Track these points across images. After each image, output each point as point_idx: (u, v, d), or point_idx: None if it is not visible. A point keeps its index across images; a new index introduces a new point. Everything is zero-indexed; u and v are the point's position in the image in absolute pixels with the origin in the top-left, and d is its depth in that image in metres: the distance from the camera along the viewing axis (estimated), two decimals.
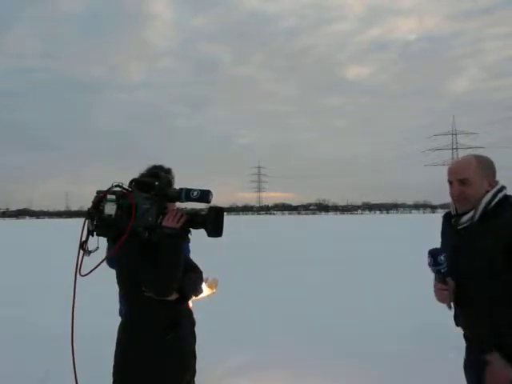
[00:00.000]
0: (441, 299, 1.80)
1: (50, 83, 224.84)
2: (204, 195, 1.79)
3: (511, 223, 1.65)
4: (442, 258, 1.75)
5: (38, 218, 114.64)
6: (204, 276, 2.32)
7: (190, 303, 2.35)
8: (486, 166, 1.80)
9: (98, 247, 1.81)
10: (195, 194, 1.79)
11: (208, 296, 2.42)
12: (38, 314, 6.01)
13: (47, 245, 20.53)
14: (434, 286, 1.81)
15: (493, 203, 1.72)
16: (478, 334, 1.78)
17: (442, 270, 1.76)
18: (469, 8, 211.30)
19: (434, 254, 1.76)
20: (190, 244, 2.55)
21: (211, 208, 1.80)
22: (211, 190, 1.80)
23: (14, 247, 19.66)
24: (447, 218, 1.91)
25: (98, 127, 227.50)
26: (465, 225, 1.77)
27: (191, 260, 2.22)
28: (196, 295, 2.10)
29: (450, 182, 1.83)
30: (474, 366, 1.80)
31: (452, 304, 1.83)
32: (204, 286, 2.37)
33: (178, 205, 1.94)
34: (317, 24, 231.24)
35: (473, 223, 1.74)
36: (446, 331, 4.61)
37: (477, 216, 1.73)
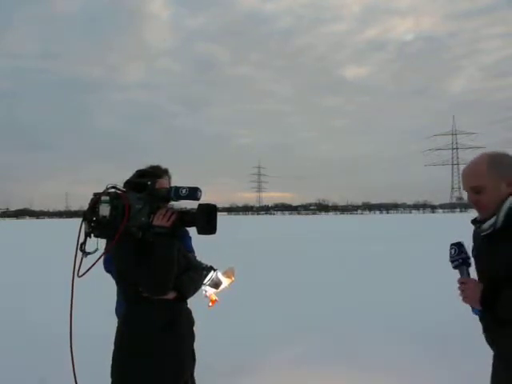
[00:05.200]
0: (473, 299, 1.58)
1: (50, 83, 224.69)
2: (192, 192, 1.80)
3: None
4: (466, 249, 1.66)
5: (37, 218, 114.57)
6: (218, 268, 2.37)
7: (215, 296, 2.38)
8: (502, 165, 1.62)
9: (97, 248, 1.82)
10: (184, 191, 1.80)
11: (229, 285, 2.44)
12: (37, 314, 6.01)
13: (47, 245, 20.53)
14: (461, 282, 1.63)
15: None
16: (492, 345, 1.67)
17: (469, 261, 1.64)
18: (466, 8, 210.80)
19: (458, 244, 1.67)
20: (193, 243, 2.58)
21: (200, 205, 1.81)
22: (200, 188, 1.81)
23: (13, 247, 19.66)
24: (474, 223, 1.74)
25: (97, 127, 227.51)
26: (487, 232, 1.63)
27: (193, 258, 2.22)
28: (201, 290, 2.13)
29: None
30: (497, 377, 1.70)
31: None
32: (222, 276, 2.40)
33: (178, 205, 1.94)
34: (314, 24, 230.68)
35: (495, 230, 1.60)
36: (447, 331, 4.62)
37: (499, 223, 1.57)
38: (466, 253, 1.67)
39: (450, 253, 1.70)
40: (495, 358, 1.71)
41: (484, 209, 1.64)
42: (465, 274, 1.66)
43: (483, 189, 1.62)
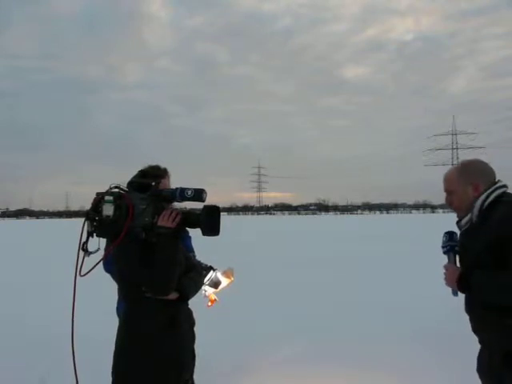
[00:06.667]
0: (451, 281, 1.78)
1: (50, 83, 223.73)
2: (198, 194, 1.81)
3: (496, 223, 1.67)
4: (457, 237, 1.87)
5: (37, 218, 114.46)
6: (217, 268, 2.40)
7: (214, 296, 2.39)
8: (469, 172, 1.86)
9: (98, 248, 1.83)
10: (189, 192, 1.81)
11: (228, 285, 2.45)
12: (37, 314, 6.02)
13: (47, 245, 20.54)
14: (445, 267, 1.84)
15: (485, 205, 1.77)
16: (494, 336, 1.75)
17: (456, 248, 1.86)
18: (466, 8, 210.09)
19: (450, 232, 1.90)
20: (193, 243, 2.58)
21: (205, 206, 1.82)
22: (205, 189, 1.81)
23: (14, 247, 19.67)
24: (456, 223, 1.97)
25: (97, 127, 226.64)
26: (464, 228, 1.85)
27: (192, 258, 2.22)
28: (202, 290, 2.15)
29: None
30: (484, 369, 1.79)
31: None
32: (221, 276, 2.41)
33: (179, 205, 1.95)
34: (314, 24, 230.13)
35: (471, 226, 1.81)
36: (447, 331, 4.62)
37: (474, 219, 1.79)
38: (455, 241, 1.88)
39: (442, 240, 1.91)
40: (481, 345, 1.83)
41: (456, 208, 1.90)
42: (451, 259, 1.86)
43: (454, 192, 1.89)
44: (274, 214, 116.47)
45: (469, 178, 1.85)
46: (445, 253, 1.89)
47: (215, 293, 2.44)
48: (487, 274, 1.66)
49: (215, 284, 2.40)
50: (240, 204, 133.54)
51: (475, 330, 1.81)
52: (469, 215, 1.81)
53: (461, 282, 1.73)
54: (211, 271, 2.40)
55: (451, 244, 1.87)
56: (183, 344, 1.94)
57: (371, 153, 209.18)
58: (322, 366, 3.89)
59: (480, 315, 1.76)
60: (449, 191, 1.92)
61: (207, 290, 2.40)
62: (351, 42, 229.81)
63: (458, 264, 1.85)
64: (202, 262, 2.43)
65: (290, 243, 18.58)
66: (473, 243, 1.76)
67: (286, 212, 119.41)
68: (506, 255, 1.61)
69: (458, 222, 1.91)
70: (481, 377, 1.83)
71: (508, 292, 1.61)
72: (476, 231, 1.77)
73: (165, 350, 1.86)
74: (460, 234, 1.89)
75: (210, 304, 2.45)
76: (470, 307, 1.81)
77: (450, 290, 1.82)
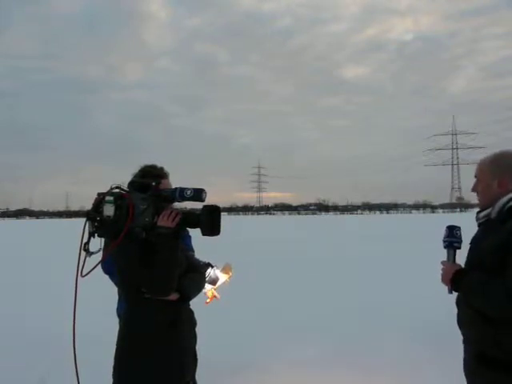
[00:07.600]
0: (446, 279, 1.76)
1: (50, 83, 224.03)
2: (197, 194, 1.80)
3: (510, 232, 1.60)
4: (458, 232, 1.81)
5: (37, 218, 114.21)
6: (215, 264, 2.39)
7: (216, 294, 2.39)
8: (499, 166, 1.75)
9: (100, 248, 1.82)
10: (189, 192, 1.80)
11: (226, 281, 2.45)
12: (37, 314, 6.01)
13: (47, 245, 20.53)
14: (442, 263, 1.80)
15: (507, 206, 1.68)
16: (471, 334, 1.76)
17: (455, 244, 1.80)
18: (465, 8, 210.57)
19: (451, 227, 1.82)
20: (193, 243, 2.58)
21: (205, 206, 1.81)
22: (205, 189, 1.81)
23: (14, 247, 19.65)
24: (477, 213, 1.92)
25: (97, 127, 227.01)
26: (481, 220, 1.80)
27: (193, 259, 2.22)
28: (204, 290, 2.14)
29: None
30: (468, 366, 1.79)
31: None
32: (219, 273, 2.41)
33: (179, 205, 1.94)
34: (313, 24, 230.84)
35: (489, 220, 1.74)
36: (447, 331, 4.62)
37: (493, 214, 1.71)
38: (454, 236, 1.81)
39: (444, 234, 1.85)
40: (464, 342, 1.82)
41: (479, 198, 1.82)
42: (450, 255, 1.81)
43: (480, 181, 1.81)
44: (273, 214, 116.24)
45: (497, 171, 1.73)
46: (444, 247, 1.84)
47: (216, 289, 2.44)
48: (480, 276, 1.64)
49: (213, 281, 2.40)
50: (240, 204, 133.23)
51: (459, 324, 1.81)
52: (489, 209, 1.73)
53: (454, 281, 1.72)
54: (209, 268, 2.40)
55: (450, 240, 1.81)
56: (184, 345, 1.93)
57: (371, 153, 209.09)
58: (322, 366, 3.89)
59: (464, 312, 1.76)
60: (476, 176, 1.83)
61: (205, 287, 2.40)
62: (351, 41, 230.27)
63: (456, 260, 1.81)
64: (199, 259, 2.43)
65: (289, 243, 18.56)
66: (483, 240, 1.71)
67: (286, 212, 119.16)
68: (506, 266, 1.57)
69: (478, 213, 1.83)
70: (463, 370, 1.83)
71: (491, 302, 1.58)
72: (490, 230, 1.70)
73: (166, 351, 1.85)
74: (478, 226, 1.82)
75: (208, 301, 2.45)
76: (459, 301, 1.81)
77: (452, 294, 1.80)
